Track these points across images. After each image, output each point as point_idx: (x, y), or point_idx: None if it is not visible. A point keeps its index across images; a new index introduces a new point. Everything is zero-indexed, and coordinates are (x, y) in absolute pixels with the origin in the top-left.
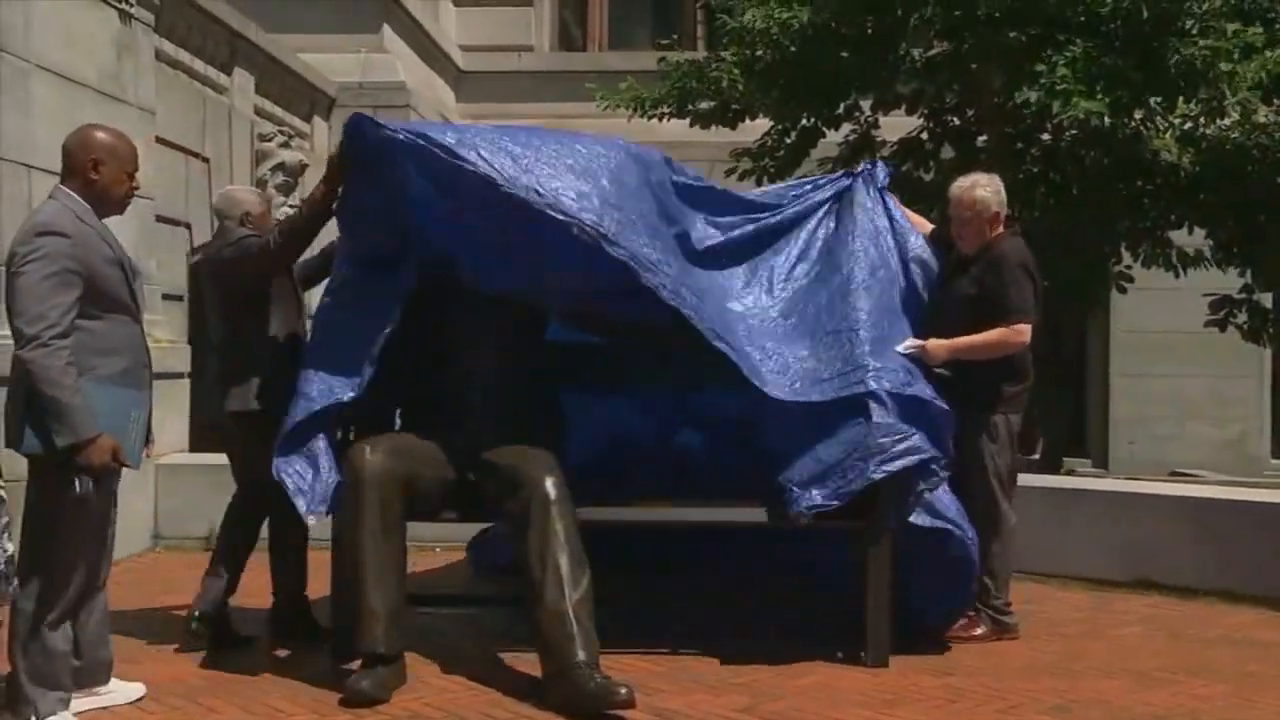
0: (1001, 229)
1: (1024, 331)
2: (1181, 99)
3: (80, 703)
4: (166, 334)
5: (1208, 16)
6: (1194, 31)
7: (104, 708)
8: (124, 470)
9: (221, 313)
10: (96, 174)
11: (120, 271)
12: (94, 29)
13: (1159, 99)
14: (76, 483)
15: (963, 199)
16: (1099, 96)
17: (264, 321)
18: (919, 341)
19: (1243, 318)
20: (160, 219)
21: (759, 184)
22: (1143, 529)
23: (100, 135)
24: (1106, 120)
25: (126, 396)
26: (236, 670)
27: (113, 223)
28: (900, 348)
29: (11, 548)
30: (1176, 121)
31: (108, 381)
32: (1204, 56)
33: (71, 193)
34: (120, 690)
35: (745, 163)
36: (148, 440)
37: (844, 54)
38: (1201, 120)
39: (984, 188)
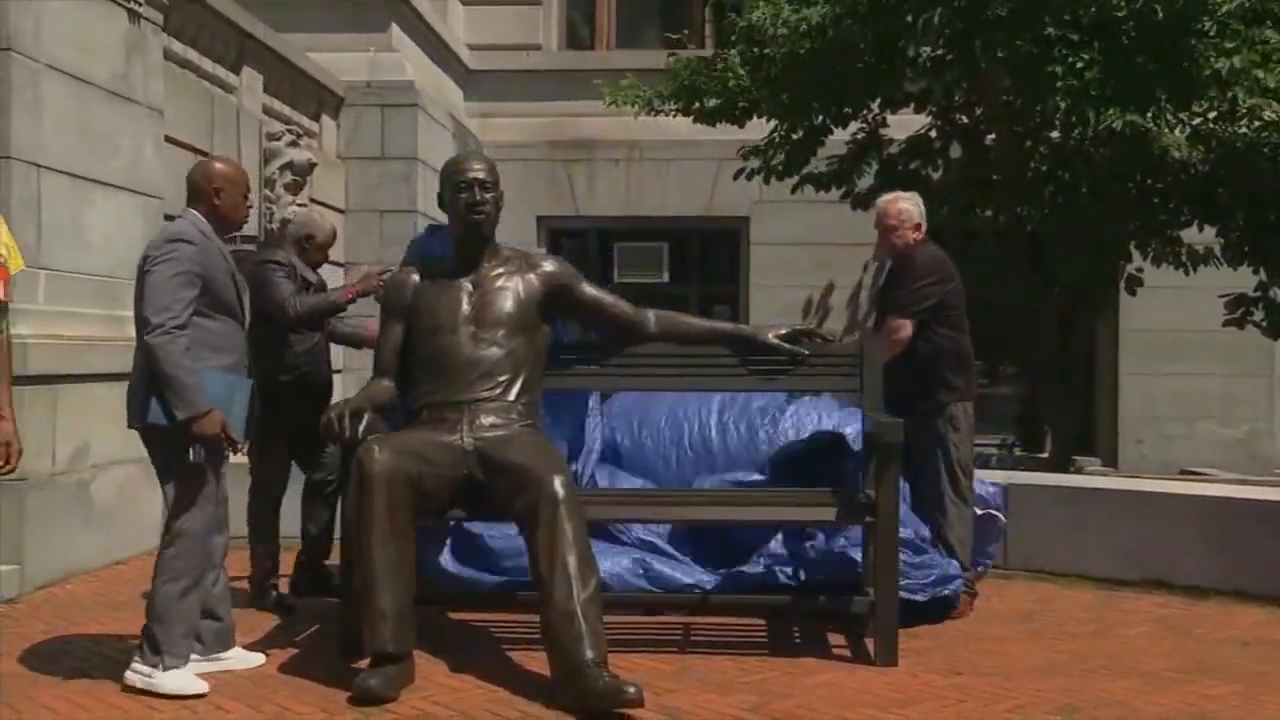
0: (920, 238)
1: (903, 328)
2: (1195, 99)
3: (202, 665)
4: None
5: (1227, 18)
6: (1212, 34)
7: (225, 671)
8: (134, 471)
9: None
10: (219, 200)
11: (233, 283)
12: (103, 29)
13: (1170, 100)
14: (191, 451)
15: (888, 210)
16: (1130, 106)
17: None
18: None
19: (1261, 315)
20: (169, 218)
21: (766, 182)
22: (1152, 528)
23: (220, 167)
24: (1138, 124)
25: (231, 381)
26: (244, 669)
27: (117, 218)
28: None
29: None
30: (1186, 118)
31: (217, 370)
32: (1239, 64)
33: (198, 214)
34: (240, 657)
35: (753, 161)
36: (246, 431)
37: (852, 53)
38: (1212, 118)
39: (906, 200)
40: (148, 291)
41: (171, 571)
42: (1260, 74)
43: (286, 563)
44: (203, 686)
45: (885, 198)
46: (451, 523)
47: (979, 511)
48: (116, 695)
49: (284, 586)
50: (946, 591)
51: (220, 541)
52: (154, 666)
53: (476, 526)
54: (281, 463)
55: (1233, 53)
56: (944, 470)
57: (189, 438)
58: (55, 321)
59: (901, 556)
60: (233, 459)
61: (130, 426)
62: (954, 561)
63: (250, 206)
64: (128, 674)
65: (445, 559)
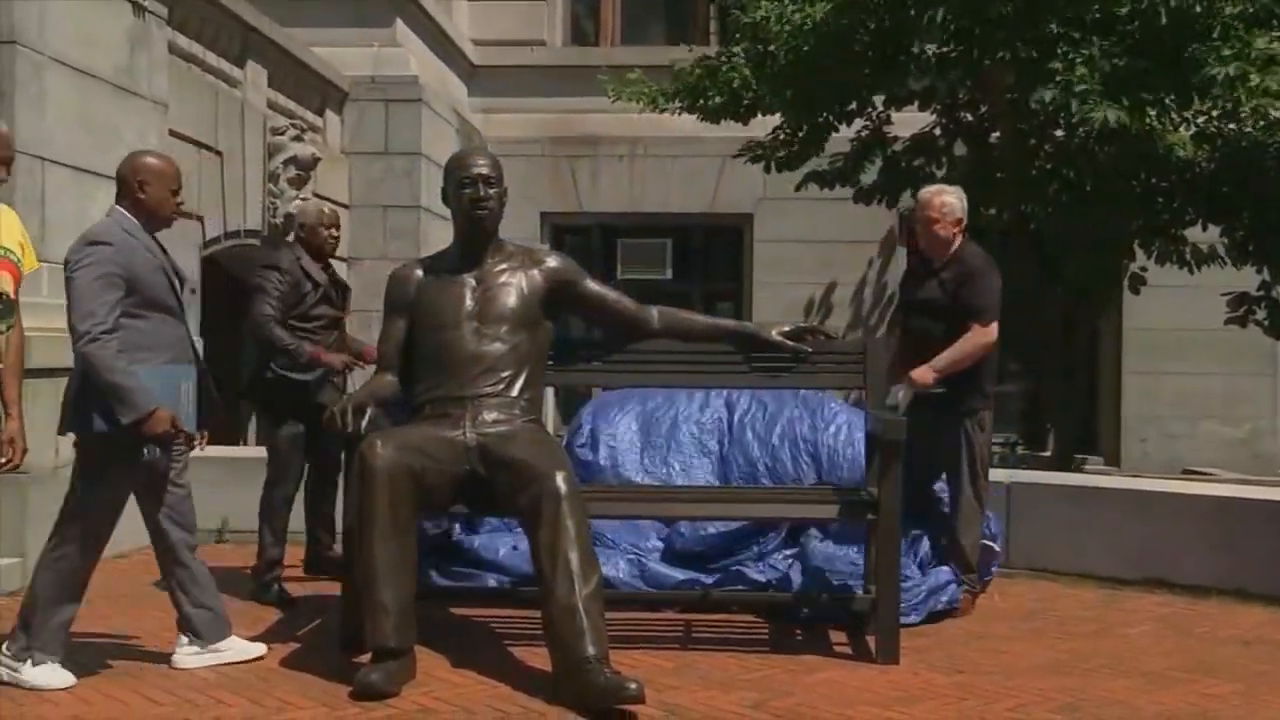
0: (961, 234)
1: (994, 330)
2: (1196, 99)
3: (203, 657)
4: None
5: (1233, 20)
6: (1216, 36)
7: (225, 664)
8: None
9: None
10: (144, 194)
11: (164, 278)
12: (107, 23)
13: (1173, 98)
14: (146, 450)
15: (931, 202)
16: (1120, 101)
17: None
18: (909, 382)
19: (1263, 314)
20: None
21: (767, 171)
22: (1155, 528)
23: (147, 160)
24: (1124, 121)
25: (175, 372)
26: (246, 663)
27: None
28: (892, 398)
29: None
30: (1190, 116)
31: (156, 366)
32: (1233, 73)
33: (123, 210)
34: (239, 648)
35: (759, 152)
36: (201, 425)
37: (856, 50)
38: (1216, 117)
39: (950, 194)
40: (72, 299)
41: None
42: (1256, 79)
43: (293, 555)
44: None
45: (928, 190)
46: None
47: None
48: (117, 687)
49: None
50: (941, 603)
51: (183, 537)
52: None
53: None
54: (296, 454)
55: (1230, 60)
56: (966, 472)
57: (141, 439)
58: (58, 315)
59: None
60: (199, 452)
61: (64, 433)
62: (942, 569)
63: (181, 203)
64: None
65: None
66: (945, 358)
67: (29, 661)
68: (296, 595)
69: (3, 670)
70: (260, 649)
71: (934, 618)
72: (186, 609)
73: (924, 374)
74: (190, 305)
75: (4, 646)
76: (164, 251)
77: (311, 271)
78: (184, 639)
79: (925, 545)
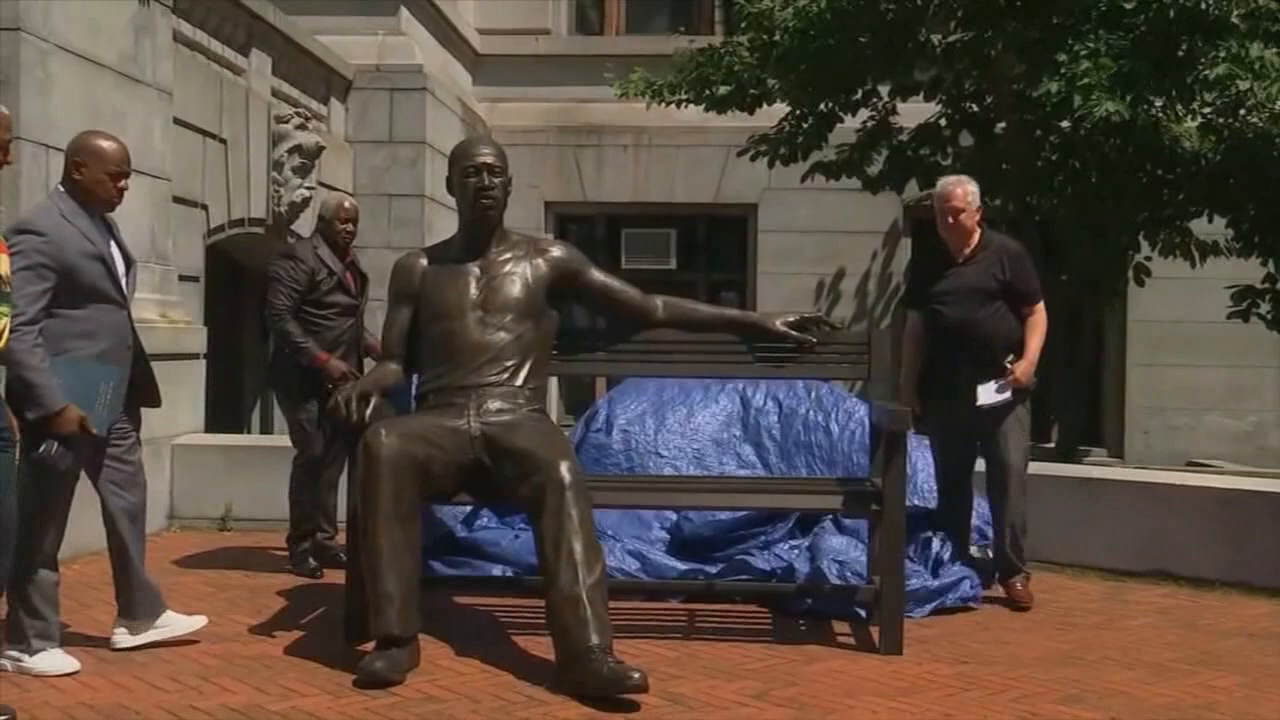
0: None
1: (1043, 310)
2: (1199, 95)
3: (149, 634)
4: (182, 315)
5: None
6: (1218, 38)
7: (171, 638)
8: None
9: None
10: (79, 175)
11: (101, 265)
12: (112, 10)
13: (1176, 94)
14: (44, 445)
15: (955, 192)
16: (1121, 96)
17: None
18: (1010, 379)
19: (1266, 308)
20: (177, 200)
21: (771, 165)
22: (1159, 519)
23: (89, 140)
24: (1126, 115)
25: (97, 372)
26: (251, 651)
27: (128, 204)
28: (996, 395)
29: None
30: (1196, 107)
31: (81, 360)
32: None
33: (64, 192)
34: (179, 622)
35: (763, 146)
36: (135, 417)
37: (862, 39)
38: (1221, 108)
39: (970, 182)
40: None
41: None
42: (1246, 84)
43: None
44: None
45: (949, 181)
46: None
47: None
48: (123, 674)
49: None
50: (950, 601)
51: (124, 508)
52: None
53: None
54: (317, 432)
55: (1222, 62)
56: (1019, 456)
57: (45, 435)
58: None
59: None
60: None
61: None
62: (954, 567)
63: (124, 188)
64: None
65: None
66: (1034, 348)
67: (29, 650)
68: (296, 585)
69: (6, 662)
70: (200, 620)
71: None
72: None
73: (1027, 370)
74: (132, 288)
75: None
76: (111, 230)
77: (328, 260)
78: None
79: (937, 546)
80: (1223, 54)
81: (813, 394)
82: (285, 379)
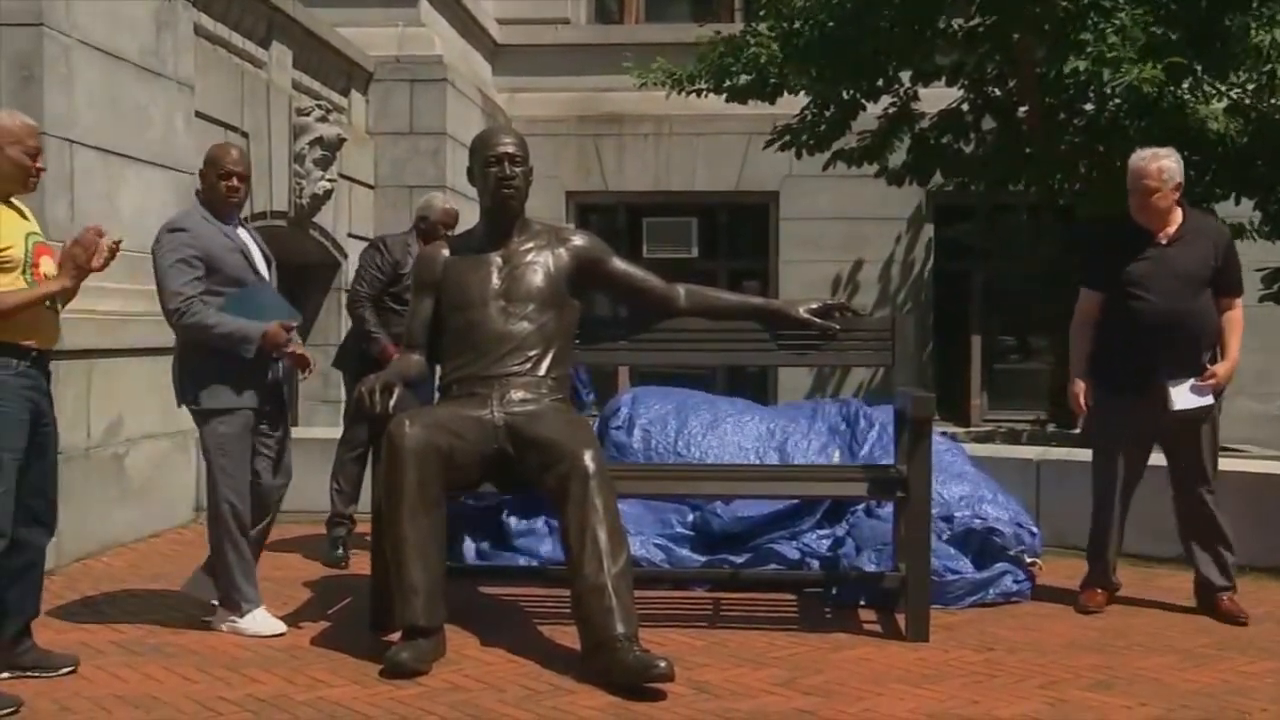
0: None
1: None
2: (1232, 71)
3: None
4: None
5: None
6: (1255, 5)
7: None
8: (167, 446)
9: None
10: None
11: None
12: (133, 5)
13: (1208, 70)
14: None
15: (1148, 169)
16: (1150, 65)
17: None
18: (1210, 380)
19: None
20: (199, 193)
21: (799, 157)
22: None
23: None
24: (1156, 89)
25: (250, 294)
26: (278, 641)
27: (149, 193)
28: (1195, 399)
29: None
30: (1224, 89)
31: (237, 294)
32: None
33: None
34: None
35: (785, 137)
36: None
37: (883, 25)
38: (1250, 90)
39: (1166, 157)
40: None
41: (220, 530)
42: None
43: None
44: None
45: (1142, 156)
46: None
47: (1028, 560)
48: (153, 666)
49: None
50: (992, 596)
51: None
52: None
53: None
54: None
55: (1266, 27)
56: (1213, 469)
57: (275, 358)
58: (88, 297)
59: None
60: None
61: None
62: (999, 563)
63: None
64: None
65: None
66: (1236, 347)
67: (240, 613)
68: (322, 575)
69: (222, 625)
70: (279, 626)
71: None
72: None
73: (1230, 372)
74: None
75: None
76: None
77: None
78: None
79: (980, 536)
80: (1263, 19)
81: (845, 423)
82: (351, 363)
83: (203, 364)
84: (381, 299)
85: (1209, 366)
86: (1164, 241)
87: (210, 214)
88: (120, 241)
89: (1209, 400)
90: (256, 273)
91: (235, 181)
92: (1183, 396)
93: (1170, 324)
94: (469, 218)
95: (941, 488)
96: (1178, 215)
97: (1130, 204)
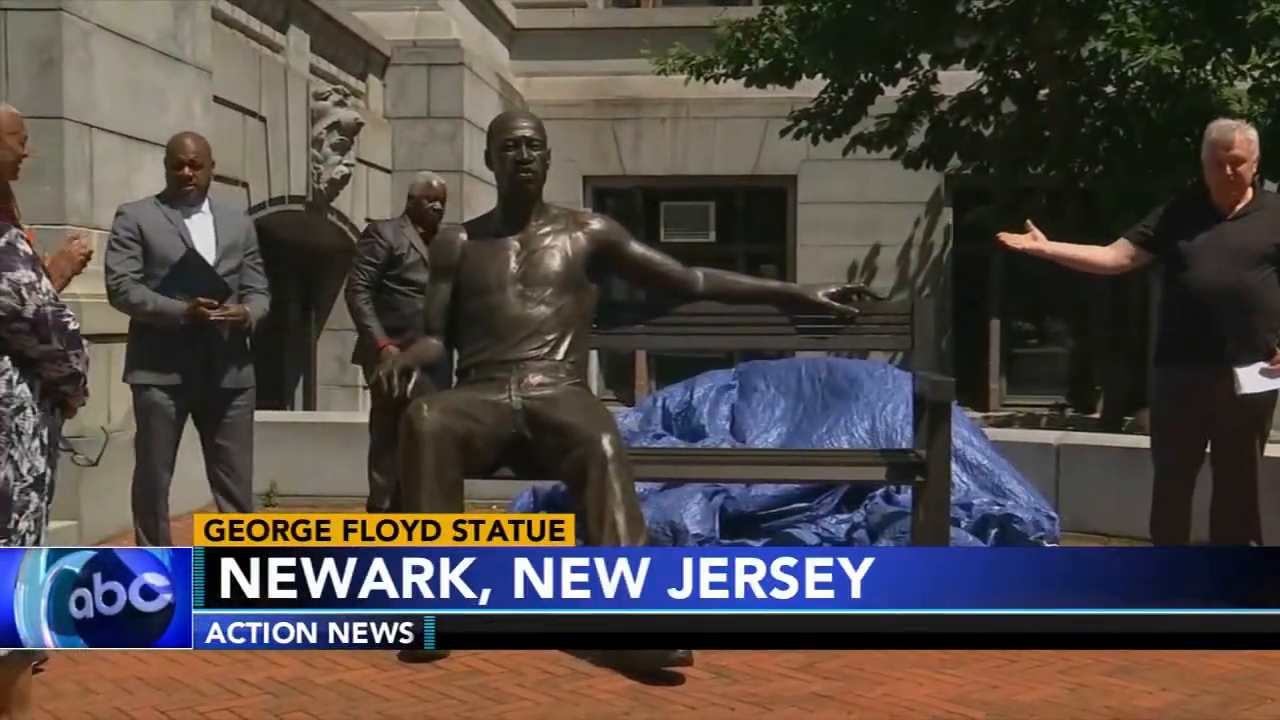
0: None
1: None
2: (1254, 50)
3: None
4: None
5: None
6: None
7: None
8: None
9: None
10: None
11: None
12: None
13: (1229, 50)
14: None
15: (1234, 139)
16: (1171, 45)
17: None
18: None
19: None
20: (218, 178)
21: (815, 143)
22: (1206, 490)
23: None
24: (1177, 70)
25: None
26: None
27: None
28: (1266, 382)
29: None
30: (1245, 69)
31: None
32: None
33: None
34: None
35: (803, 123)
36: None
37: (901, 7)
38: (1272, 67)
39: (1249, 128)
40: None
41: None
42: None
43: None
44: None
45: (1225, 126)
46: None
47: (1047, 545)
48: (173, 649)
49: None
50: None
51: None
52: None
53: None
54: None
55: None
56: (1260, 457)
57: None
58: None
59: None
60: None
61: None
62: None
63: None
64: None
65: None
66: None
67: None
68: None
69: None
70: None
71: None
72: None
73: None
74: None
75: None
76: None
77: (412, 239)
78: None
79: (999, 522)
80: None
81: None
82: (368, 355)
83: (136, 341)
84: (381, 284)
85: (1277, 349)
86: (1229, 216)
87: (166, 199)
88: (92, 253)
89: (1277, 384)
90: (195, 254)
91: (187, 170)
92: (1251, 380)
93: (1220, 297)
94: (487, 202)
95: (960, 473)
96: (1248, 191)
97: (1210, 178)
